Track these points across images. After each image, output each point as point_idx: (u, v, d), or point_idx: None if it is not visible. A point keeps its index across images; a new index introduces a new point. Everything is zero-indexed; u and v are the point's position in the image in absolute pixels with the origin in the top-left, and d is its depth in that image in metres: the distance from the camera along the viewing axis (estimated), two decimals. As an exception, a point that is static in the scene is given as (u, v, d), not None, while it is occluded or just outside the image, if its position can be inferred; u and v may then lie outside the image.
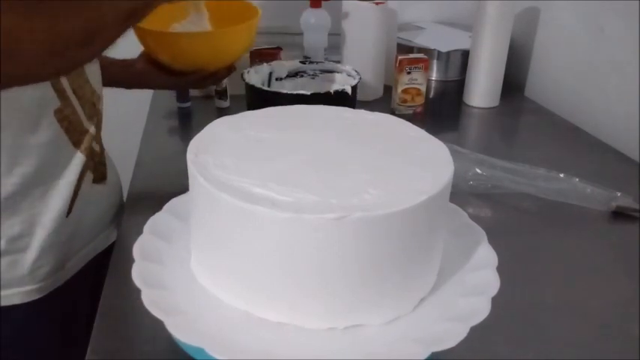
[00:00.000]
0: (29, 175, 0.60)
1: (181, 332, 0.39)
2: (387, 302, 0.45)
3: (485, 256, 0.50)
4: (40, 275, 0.64)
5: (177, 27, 0.90)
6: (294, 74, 0.91)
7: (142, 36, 0.81)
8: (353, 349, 0.42)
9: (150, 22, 0.81)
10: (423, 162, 0.48)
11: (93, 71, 0.68)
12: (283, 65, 0.91)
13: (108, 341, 0.52)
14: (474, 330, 0.41)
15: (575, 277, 0.64)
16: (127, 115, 1.32)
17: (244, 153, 0.47)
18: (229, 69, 0.87)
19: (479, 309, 0.43)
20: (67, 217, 0.65)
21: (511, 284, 0.47)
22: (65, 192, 0.64)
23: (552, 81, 1.17)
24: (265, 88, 0.83)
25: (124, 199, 0.82)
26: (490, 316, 0.42)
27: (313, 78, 0.89)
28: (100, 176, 0.72)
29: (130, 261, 0.46)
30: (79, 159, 0.66)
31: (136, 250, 0.47)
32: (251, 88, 0.84)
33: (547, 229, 0.73)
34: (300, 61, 0.91)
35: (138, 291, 0.43)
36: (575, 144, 0.99)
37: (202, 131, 0.50)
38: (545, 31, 1.19)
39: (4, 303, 0.61)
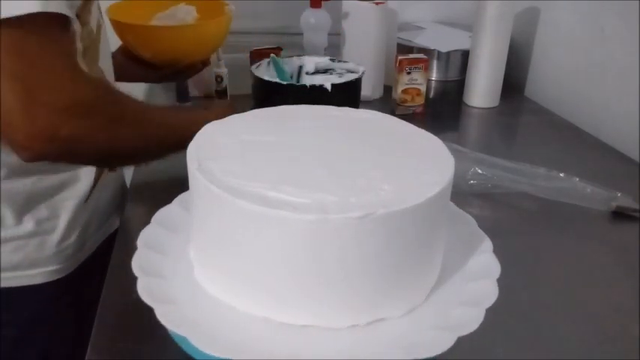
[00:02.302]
0: (42, 166, 0.63)
1: (207, 345, 0.39)
2: (405, 294, 0.45)
3: (484, 244, 0.51)
4: (63, 256, 0.69)
5: (156, 20, 0.92)
6: (323, 71, 0.92)
7: (120, 30, 0.83)
8: (381, 343, 0.42)
9: (130, 16, 0.83)
10: (423, 155, 0.48)
11: (107, 66, 0.71)
12: (312, 60, 0.93)
13: (108, 341, 0.52)
14: (473, 330, 0.41)
15: (575, 277, 0.64)
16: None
17: (247, 157, 0.46)
18: (204, 63, 0.92)
19: (488, 292, 0.44)
20: (85, 202, 0.70)
21: (511, 284, 0.47)
22: (86, 180, 0.70)
23: (552, 81, 1.17)
24: (267, 78, 0.84)
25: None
26: (490, 316, 0.42)
27: (340, 76, 0.89)
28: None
29: (129, 261, 0.46)
30: None
31: (136, 265, 0.46)
32: (257, 79, 0.85)
33: (547, 229, 0.73)
34: (330, 59, 0.93)
35: (137, 290, 0.43)
36: (575, 144, 0.99)
37: (195, 138, 0.49)
38: (545, 31, 1.19)
39: (30, 282, 0.66)
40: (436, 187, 0.43)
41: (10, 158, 0.61)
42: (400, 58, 1.04)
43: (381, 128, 0.53)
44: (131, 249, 0.48)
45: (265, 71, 0.88)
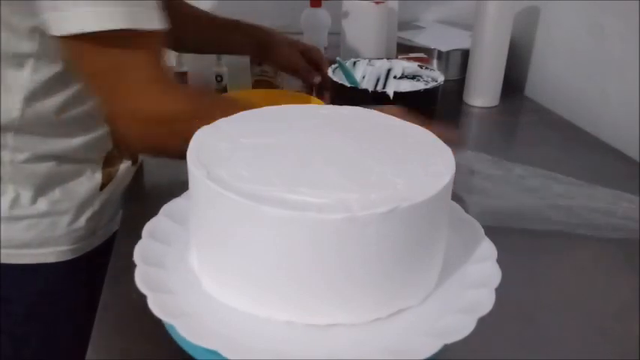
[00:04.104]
0: (61, 154, 0.69)
1: (240, 355, 0.38)
2: (421, 281, 0.46)
3: (476, 228, 0.52)
4: (75, 237, 0.72)
5: None
6: (411, 76, 0.92)
7: None
8: (407, 332, 0.42)
9: None
10: (419, 147, 0.49)
11: None
12: (401, 65, 0.93)
13: (108, 341, 0.52)
14: (473, 330, 0.41)
15: (575, 277, 0.64)
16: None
17: (252, 161, 0.45)
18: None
19: (492, 273, 0.46)
20: (100, 190, 0.74)
21: (511, 284, 0.47)
22: (102, 172, 0.74)
23: (552, 81, 1.17)
24: (336, 79, 0.86)
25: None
26: (490, 315, 0.42)
27: (427, 84, 0.89)
28: (136, 159, 0.81)
29: (129, 261, 0.46)
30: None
31: (140, 282, 0.44)
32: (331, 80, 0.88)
33: (547, 228, 0.73)
34: (419, 65, 0.93)
35: (137, 290, 0.42)
36: (575, 144, 0.99)
37: (191, 145, 0.47)
38: (545, 31, 1.19)
39: (41, 260, 0.70)
40: (446, 177, 0.44)
41: (32, 144, 0.66)
42: (400, 57, 1.04)
43: (371, 123, 0.54)
44: (130, 249, 0.48)
45: (367, 68, 0.90)
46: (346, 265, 0.41)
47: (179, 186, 0.55)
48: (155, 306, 0.41)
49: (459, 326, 0.41)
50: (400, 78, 0.91)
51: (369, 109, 0.56)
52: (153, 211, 0.53)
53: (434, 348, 0.39)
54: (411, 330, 0.43)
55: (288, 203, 0.39)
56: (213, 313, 0.44)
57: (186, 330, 0.39)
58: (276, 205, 0.39)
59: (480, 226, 0.53)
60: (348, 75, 0.86)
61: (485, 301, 0.43)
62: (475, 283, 0.46)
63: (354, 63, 0.91)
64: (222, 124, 0.52)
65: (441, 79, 0.86)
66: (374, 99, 0.80)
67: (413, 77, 0.91)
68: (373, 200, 0.40)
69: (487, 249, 0.50)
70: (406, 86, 0.90)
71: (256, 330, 0.42)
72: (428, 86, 0.86)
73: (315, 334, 0.42)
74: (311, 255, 0.40)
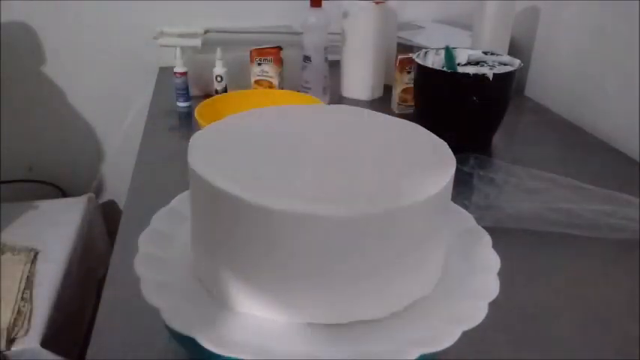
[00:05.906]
0: None
1: (262, 356, 0.39)
2: (432, 271, 0.47)
3: (468, 217, 0.53)
4: None
5: None
6: (475, 63, 0.94)
7: None
8: (429, 322, 0.43)
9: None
10: (417, 142, 0.49)
11: None
12: (465, 52, 0.96)
13: (108, 341, 0.52)
14: (473, 330, 0.41)
15: (575, 277, 0.64)
16: (127, 115, 1.32)
17: (257, 165, 0.45)
18: None
19: (491, 261, 0.48)
20: None
21: (511, 284, 0.48)
22: None
23: (552, 80, 1.17)
24: (431, 66, 0.89)
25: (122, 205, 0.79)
26: (490, 316, 0.42)
27: (492, 68, 0.90)
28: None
29: (129, 261, 0.46)
30: None
31: (150, 296, 0.43)
32: (420, 67, 0.90)
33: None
34: (483, 52, 0.96)
35: (137, 290, 0.43)
36: (575, 144, 0.99)
37: (190, 153, 0.46)
38: (545, 31, 1.19)
39: None
40: (449, 170, 0.44)
41: None
42: (400, 57, 1.04)
43: (364, 121, 0.54)
44: (130, 250, 0.48)
45: (425, 60, 0.94)
46: (362, 262, 0.41)
47: (167, 192, 0.55)
48: (172, 320, 0.40)
49: (473, 312, 0.41)
50: (465, 65, 0.93)
51: (361, 108, 0.56)
52: (147, 218, 0.53)
53: (456, 335, 0.40)
54: (430, 320, 0.43)
55: (311, 204, 0.39)
56: (232, 321, 0.43)
57: (210, 341, 0.39)
58: (292, 206, 0.39)
59: (471, 216, 0.53)
60: (451, 61, 0.88)
61: (491, 286, 0.44)
62: (478, 271, 0.47)
63: (425, 53, 0.94)
64: (217, 126, 0.51)
65: (516, 62, 0.89)
66: (474, 81, 0.84)
67: (477, 63, 0.93)
68: (390, 195, 0.40)
69: (482, 237, 0.51)
70: (473, 72, 0.91)
71: (279, 334, 0.42)
72: (506, 70, 0.88)
73: (339, 333, 0.42)
74: (326, 254, 0.40)
